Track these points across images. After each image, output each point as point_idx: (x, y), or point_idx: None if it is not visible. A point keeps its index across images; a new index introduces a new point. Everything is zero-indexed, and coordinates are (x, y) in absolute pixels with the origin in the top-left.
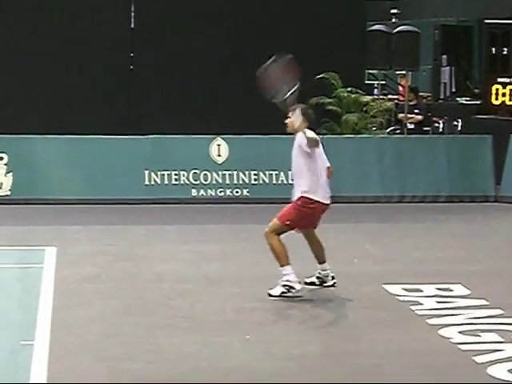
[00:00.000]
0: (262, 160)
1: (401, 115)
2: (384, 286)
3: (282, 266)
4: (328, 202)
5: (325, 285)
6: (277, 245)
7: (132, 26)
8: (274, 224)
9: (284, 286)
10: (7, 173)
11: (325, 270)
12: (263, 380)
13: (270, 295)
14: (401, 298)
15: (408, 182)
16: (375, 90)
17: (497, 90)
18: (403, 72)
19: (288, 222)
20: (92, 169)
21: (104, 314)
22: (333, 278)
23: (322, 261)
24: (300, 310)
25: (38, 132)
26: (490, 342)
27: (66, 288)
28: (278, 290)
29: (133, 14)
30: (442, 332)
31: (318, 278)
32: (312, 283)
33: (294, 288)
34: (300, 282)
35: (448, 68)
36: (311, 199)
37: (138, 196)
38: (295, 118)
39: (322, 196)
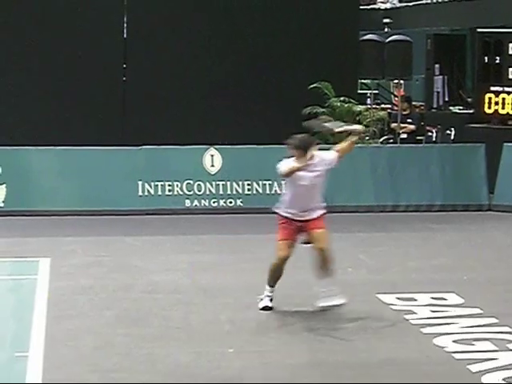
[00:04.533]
0: (255, 170)
1: (394, 125)
2: (378, 295)
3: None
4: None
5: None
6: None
7: (125, 36)
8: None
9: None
10: (0, 184)
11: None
12: None
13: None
14: (395, 308)
15: (401, 191)
16: (368, 99)
17: (489, 98)
18: (397, 81)
19: None
20: (86, 180)
21: (98, 325)
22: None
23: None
24: (293, 319)
25: (32, 143)
26: (485, 351)
27: (59, 299)
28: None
29: (125, 24)
30: (437, 341)
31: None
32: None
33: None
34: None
35: (441, 77)
36: None
37: (132, 207)
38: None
39: None
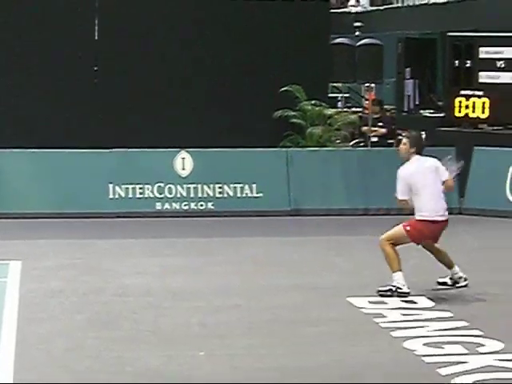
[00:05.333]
0: (226, 173)
1: (365, 128)
2: (349, 298)
3: (393, 271)
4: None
5: (457, 285)
6: (390, 252)
7: (96, 38)
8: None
9: (393, 286)
10: None
11: (456, 274)
12: None
13: (379, 291)
14: (365, 311)
15: (372, 194)
16: (339, 102)
17: (460, 102)
18: (368, 85)
19: (408, 228)
20: (56, 183)
21: (69, 328)
22: (465, 279)
23: (450, 266)
24: (264, 323)
25: (3, 146)
26: (455, 354)
27: (30, 302)
28: (386, 287)
29: (96, 27)
30: (407, 344)
31: (450, 279)
32: (444, 283)
33: (401, 289)
34: (409, 288)
35: (411, 81)
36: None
37: (103, 210)
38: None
39: None
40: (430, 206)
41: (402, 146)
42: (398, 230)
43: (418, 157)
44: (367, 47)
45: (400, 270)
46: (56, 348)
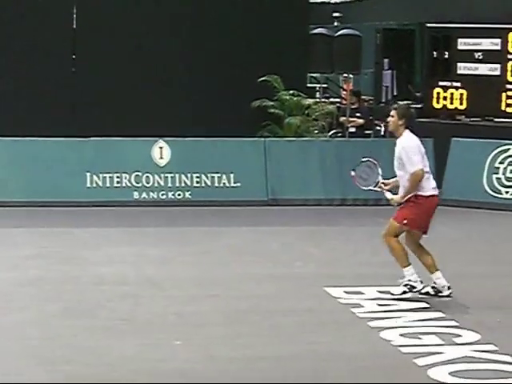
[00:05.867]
0: (204, 163)
1: (342, 118)
2: (326, 288)
3: (403, 267)
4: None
5: (440, 295)
6: (396, 247)
7: (74, 27)
8: (390, 226)
9: (406, 285)
10: None
11: (439, 279)
12: (203, 382)
13: (391, 294)
14: (342, 301)
15: (350, 185)
16: (317, 93)
17: (438, 93)
18: (346, 75)
19: (405, 221)
20: (34, 171)
21: (44, 317)
22: (449, 287)
23: (432, 270)
24: (241, 312)
25: None
26: (431, 345)
27: (5, 291)
28: (399, 290)
29: (75, 15)
30: (383, 334)
31: (433, 287)
32: (427, 293)
33: (415, 287)
34: (422, 282)
35: (390, 71)
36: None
37: (80, 199)
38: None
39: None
40: (431, 180)
41: (390, 119)
42: (397, 226)
43: (409, 132)
44: (345, 38)
45: (410, 264)
46: (31, 337)
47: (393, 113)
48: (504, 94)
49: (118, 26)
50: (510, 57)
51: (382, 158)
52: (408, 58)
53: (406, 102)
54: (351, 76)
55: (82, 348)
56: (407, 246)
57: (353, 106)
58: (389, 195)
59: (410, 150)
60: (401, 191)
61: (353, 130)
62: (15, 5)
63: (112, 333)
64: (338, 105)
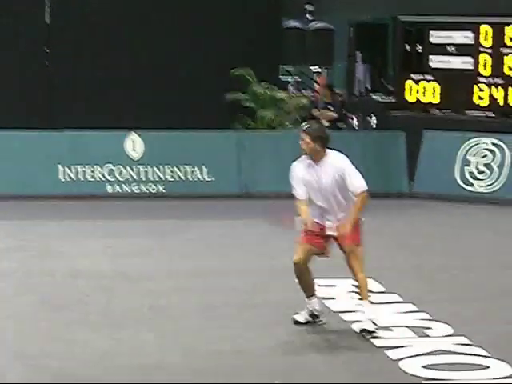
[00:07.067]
0: (177, 156)
1: (316, 112)
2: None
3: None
4: None
5: (317, 320)
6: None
7: (47, 21)
8: (357, 253)
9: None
10: None
11: (315, 305)
12: (178, 375)
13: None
14: (316, 294)
15: None
16: (290, 86)
17: (410, 86)
18: (319, 69)
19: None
20: (6, 164)
21: (20, 311)
22: (322, 315)
23: (311, 293)
24: (216, 305)
25: None
26: (403, 338)
27: None
28: (371, 326)
29: (48, 9)
30: (356, 327)
31: (311, 315)
32: (298, 322)
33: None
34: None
35: (363, 65)
36: None
37: (53, 192)
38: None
39: None
40: None
41: (302, 143)
42: (359, 253)
43: (331, 151)
44: (318, 31)
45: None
46: (7, 331)
47: (304, 136)
48: (476, 87)
49: (90, 20)
50: (482, 50)
51: (355, 151)
52: (381, 52)
53: (315, 121)
54: (324, 69)
55: (58, 341)
56: (301, 263)
57: (325, 100)
58: (333, 226)
59: (348, 165)
60: (344, 215)
61: (326, 123)
62: None
63: (88, 326)
64: (311, 98)
